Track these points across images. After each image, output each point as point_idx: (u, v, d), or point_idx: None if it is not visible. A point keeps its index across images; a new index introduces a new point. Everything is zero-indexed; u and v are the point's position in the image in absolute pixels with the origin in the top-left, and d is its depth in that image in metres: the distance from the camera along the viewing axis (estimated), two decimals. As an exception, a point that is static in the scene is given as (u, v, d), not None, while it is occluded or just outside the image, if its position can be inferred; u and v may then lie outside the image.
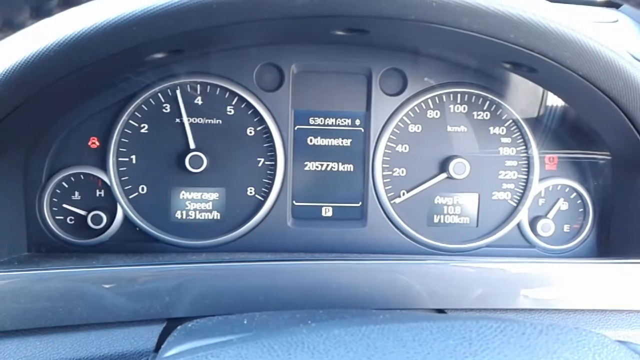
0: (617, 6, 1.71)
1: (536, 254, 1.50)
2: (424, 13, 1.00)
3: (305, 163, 1.47)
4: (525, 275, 1.21)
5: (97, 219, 1.39)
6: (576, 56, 1.06)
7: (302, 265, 1.19)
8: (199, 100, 1.41)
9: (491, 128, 1.48)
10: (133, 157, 1.41)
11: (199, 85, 1.41)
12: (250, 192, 1.45)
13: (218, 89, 1.41)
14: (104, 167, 1.39)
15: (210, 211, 1.45)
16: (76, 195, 1.41)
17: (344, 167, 1.48)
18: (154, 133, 1.41)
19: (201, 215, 1.45)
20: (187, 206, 1.44)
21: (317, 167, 1.47)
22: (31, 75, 0.99)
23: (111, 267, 1.12)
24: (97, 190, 1.41)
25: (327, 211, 1.49)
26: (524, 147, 1.49)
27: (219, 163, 1.43)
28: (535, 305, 1.19)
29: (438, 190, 1.49)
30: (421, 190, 1.48)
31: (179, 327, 0.90)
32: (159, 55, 1.16)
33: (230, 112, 1.42)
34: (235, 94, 1.41)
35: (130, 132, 1.40)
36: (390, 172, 1.47)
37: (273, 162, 1.44)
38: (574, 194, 1.51)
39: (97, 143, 1.40)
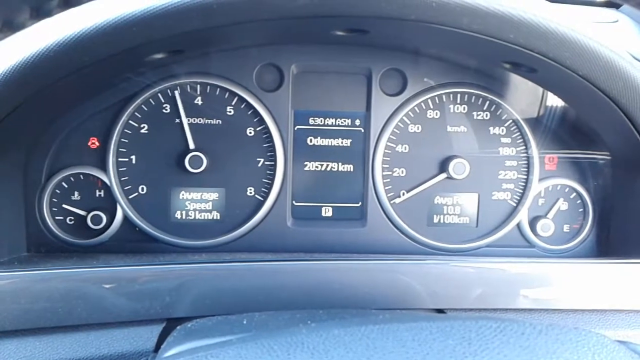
0: (617, 6, 1.71)
1: (536, 254, 1.50)
2: (424, 13, 1.00)
3: (305, 163, 1.47)
4: (525, 275, 1.21)
5: (96, 219, 1.39)
6: (576, 56, 1.06)
7: (302, 266, 1.19)
8: (198, 101, 1.41)
9: (491, 128, 1.48)
10: (133, 157, 1.41)
11: (199, 86, 1.41)
12: (250, 192, 1.45)
13: (218, 89, 1.41)
14: (103, 168, 1.39)
15: (210, 211, 1.45)
16: (76, 196, 1.41)
17: (343, 167, 1.48)
18: (154, 133, 1.41)
19: (201, 216, 1.45)
20: (186, 206, 1.44)
21: (317, 167, 1.47)
22: (31, 75, 0.99)
23: (111, 268, 1.12)
24: (97, 191, 1.41)
25: (326, 211, 1.49)
26: (523, 147, 1.49)
27: (219, 163, 1.43)
28: (534, 305, 1.19)
29: (438, 190, 1.49)
30: (421, 190, 1.48)
31: (178, 327, 0.90)
32: (159, 56, 1.16)
33: (230, 112, 1.43)
34: (235, 94, 1.41)
35: (130, 132, 1.40)
36: (390, 172, 1.47)
37: (273, 162, 1.44)
38: (574, 194, 1.51)
39: (97, 143, 1.40)
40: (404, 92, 1.45)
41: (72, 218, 1.41)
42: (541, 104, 1.46)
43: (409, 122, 1.47)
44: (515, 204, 1.50)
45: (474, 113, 1.48)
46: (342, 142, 1.47)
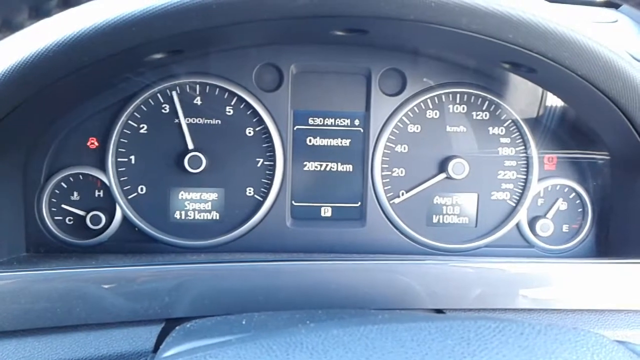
0: (616, 6, 1.71)
1: (535, 254, 1.50)
2: (423, 13, 1.00)
3: (305, 163, 1.47)
4: (524, 275, 1.21)
5: (96, 219, 1.39)
6: (575, 56, 1.06)
7: (301, 266, 1.18)
8: (198, 101, 1.41)
9: (490, 128, 1.48)
10: (132, 157, 1.41)
11: (198, 86, 1.41)
12: (250, 193, 1.45)
13: (217, 89, 1.41)
14: (103, 168, 1.39)
15: (210, 211, 1.45)
16: (75, 196, 1.40)
17: (343, 167, 1.48)
18: (153, 133, 1.41)
19: (200, 216, 1.45)
20: (186, 206, 1.44)
21: (316, 167, 1.47)
22: (30, 75, 0.99)
23: (110, 268, 1.12)
24: (96, 191, 1.41)
25: (326, 211, 1.49)
26: (523, 147, 1.49)
27: (218, 163, 1.43)
28: (534, 305, 1.19)
29: (437, 191, 1.49)
30: (420, 190, 1.48)
31: (177, 328, 0.90)
32: (158, 56, 1.16)
33: (229, 112, 1.42)
34: (235, 94, 1.41)
35: (129, 132, 1.40)
36: (390, 172, 1.47)
37: (272, 162, 1.44)
38: (573, 194, 1.51)
39: (96, 143, 1.40)
40: (403, 92, 1.45)
41: (72, 218, 1.40)
42: (540, 104, 1.46)
43: (408, 122, 1.47)
44: (514, 204, 1.50)
45: (474, 113, 1.48)
46: (341, 142, 1.47)
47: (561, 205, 1.52)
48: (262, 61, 1.42)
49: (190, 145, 1.40)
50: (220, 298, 1.12)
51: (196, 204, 1.44)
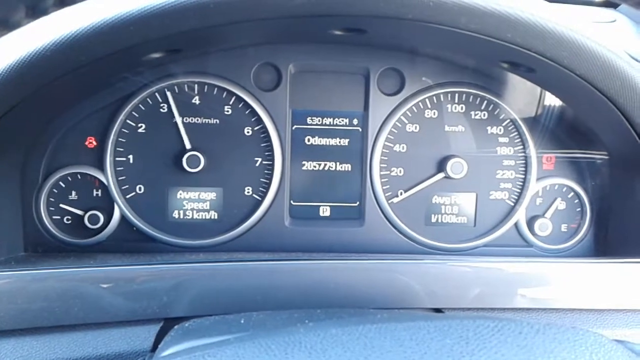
0: (615, 6, 1.71)
1: (534, 253, 1.50)
2: (422, 12, 1.00)
3: (303, 163, 1.47)
4: (523, 274, 1.21)
5: (94, 219, 1.38)
6: (574, 56, 1.06)
7: (300, 265, 1.18)
8: (196, 100, 1.41)
9: (489, 128, 1.48)
10: (130, 156, 1.40)
11: (196, 85, 1.41)
12: (248, 192, 1.45)
13: (215, 89, 1.41)
14: (101, 167, 1.39)
15: (208, 211, 1.45)
16: (73, 195, 1.40)
17: (341, 167, 1.48)
18: (151, 133, 1.40)
19: (198, 215, 1.45)
20: (184, 206, 1.44)
21: (314, 166, 1.47)
22: (28, 74, 0.99)
23: (108, 267, 1.12)
24: (94, 190, 1.41)
25: (324, 211, 1.49)
26: (521, 146, 1.49)
27: (217, 163, 1.43)
28: (532, 304, 1.19)
29: (436, 190, 1.49)
30: (419, 189, 1.48)
31: (176, 327, 0.90)
32: (156, 55, 1.16)
33: (227, 111, 1.42)
34: (233, 94, 1.41)
35: (127, 131, 1.39)
36: (388, 172, 1.47)
37: (270, 162, 1.44)
38: (572, 193, 1.51)
39: (94, 143, 1.40)
40: (401, 92, 1.45)
41: (70, 218, 1.40)
42: (539, 103, 1.46)
43: (406, 121, 1.47)
44: (513, 204, 1.50)
45: (472, 112, 1.48)
46: (339, 142, 1.47)
47: (560, 204, 1.52)
48: (260, 60, 1.42)
49: (187, 145, 1.40)
50: (218, 297, 1.11)
51: (194, 203, 1.44)
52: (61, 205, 1.39)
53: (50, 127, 1.34)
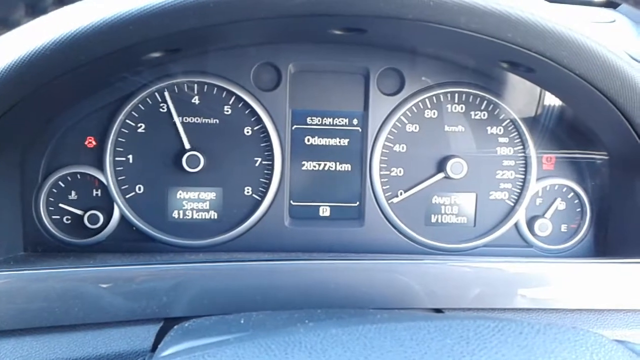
0: (614, 6, 1.71)
1: (534, 253, 1.50)
2: (422, 12, 1.00)
3: (303, 163, 1.47)
4: (523, 275, 1.21)
5: (93, 219, 1.38)
6: (573, 56, 1.06)
7: (300, 265, 1.18)
8: (196, 100, 1.41)
9: (489, 128, 1.48)
10: (130, 156, 1.40)
11: (196, 85, 1.41)
12: (248, 192, 1.44)
13: (215, 89, 1.41)
14: (100, 167, 1.39)
15: (208, 211, 1.45)
16: (73, 195, 1.40)
17: (341, 167, 1.48)
18: (151, 132, 1.40)
19: (198, 215, 1.44)
20: (184, 206, 1.44)
21: (314, 166, 1.47)
22: (27, 74, 0.99)
23: (108, 267, 1.12)
24: (94, 190, 1.41)
25: (324, 211, 1.49)
26: (521, 146, 1.49)
27: (216, 163, 1.42)
28: (532, 305, 1.19)
29: (435, 190, 1.49)
30: (419, 190, 1.48)
31: (175, 327, 0.90)
32: (156, 55, 1.16)
33: (227, 111, 1.42)
34: (233, 94, 1.41)
35: (127, 131, 1.39)
36: (388, 172, 1.47)
37: (270, 162, 1.43)
38: (572, 193, 1.51)
39: (94, 142, 1.39)
40: (401, 92, 1.45)
41: (69, 217, 1.40)
42: (539, 103, 1.46)
43: (406, 121, 1.47)
44: (512, 204, 1.50)
45: (472, 113, 1.48)
46: (339, 142, 1.47)
47: (559, 205, 1.52)
48: (260, 60, 1.41)
49: (187, 145, 1.40)
50: (218, 297, 1.11)
51: (194, 203, 1.44)
52: (61, 205, 1.39)
53: (49, 127, 1.34)
